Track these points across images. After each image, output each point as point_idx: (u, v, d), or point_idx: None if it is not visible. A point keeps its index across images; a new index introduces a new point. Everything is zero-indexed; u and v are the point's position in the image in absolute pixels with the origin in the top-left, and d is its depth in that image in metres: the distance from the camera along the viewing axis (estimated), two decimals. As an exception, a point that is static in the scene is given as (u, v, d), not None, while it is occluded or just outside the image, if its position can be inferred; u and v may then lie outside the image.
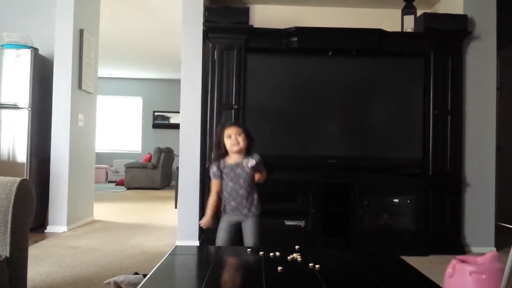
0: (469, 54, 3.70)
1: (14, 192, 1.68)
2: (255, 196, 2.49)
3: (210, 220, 2.52)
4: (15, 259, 1.69)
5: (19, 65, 4.05)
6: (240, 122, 2.58)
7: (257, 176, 2.50)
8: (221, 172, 2.48)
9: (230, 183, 2.46)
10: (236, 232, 2.53)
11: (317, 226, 3.49)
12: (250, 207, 2.47)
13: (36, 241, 3.61)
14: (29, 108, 4.05)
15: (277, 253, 1.83)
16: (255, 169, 2.46)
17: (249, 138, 2.48)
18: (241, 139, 2.42)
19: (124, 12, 5.90)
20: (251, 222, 2.47)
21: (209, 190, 3.45)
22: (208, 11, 3.60)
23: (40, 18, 4.60)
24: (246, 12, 3.62)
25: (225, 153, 2.48)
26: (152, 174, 8.86)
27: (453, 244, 3.55)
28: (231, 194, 2.46)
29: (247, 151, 2.48)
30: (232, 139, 2.42)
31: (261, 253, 1.85)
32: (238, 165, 2.45)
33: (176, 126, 9.69)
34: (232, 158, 2.47)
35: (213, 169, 2.50)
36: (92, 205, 4.89)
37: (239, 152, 2.45)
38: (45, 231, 4.07)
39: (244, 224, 2.50)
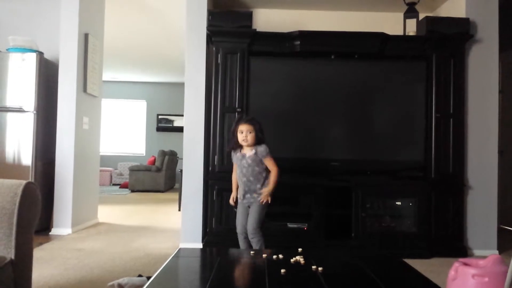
0: (471, 57, 3.71)
1: (19, 195, 1.70)
2: (258, 185, 2.79)
3: (233, 197, 2.94)
4: (20, 262, 1.71)
5: (24, 69, 4.08)
6: (254, 119, 2.82)
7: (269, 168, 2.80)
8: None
9: (238, 169, 2.86)
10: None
11: (319, 229, 3.50)
12: (252, 194, 2.79)
13: (41, 244, 3.64)
14: (34, 112, 4.08)
15: (280, 256, 1.85)
16: (257, 160, 2.76)
17: (258, 136, 2.77)
18: (250, 137, 2.74)
19: (128, 16, 5.93)
20: (254, 207, 2.79)
21: (212, 193, 3.56)
22: (212, 15, 3.63)
23: (45, 22, 4.64)
24: (249, 16, 3.64)
25: (238, 144, 2.81)
26: (156, 176, 8.89)
27: (456, 247, 3.55)
28: (238, 179, 2.86)
29: (257, 143, 2.78)
30: (243, 135, 2.75)
31: (264, 255, 1.87)
32: (244, 156, 2.80)
33: (180, 129, 9.72)
34: (244, 149, 2.82)
35: (231, 155, 2.91)
36: (97, 207, 4.92)
37: (247, 146, 2.78)
38: (50, 233, 4.10)
39: (250, 209, 2.83)
